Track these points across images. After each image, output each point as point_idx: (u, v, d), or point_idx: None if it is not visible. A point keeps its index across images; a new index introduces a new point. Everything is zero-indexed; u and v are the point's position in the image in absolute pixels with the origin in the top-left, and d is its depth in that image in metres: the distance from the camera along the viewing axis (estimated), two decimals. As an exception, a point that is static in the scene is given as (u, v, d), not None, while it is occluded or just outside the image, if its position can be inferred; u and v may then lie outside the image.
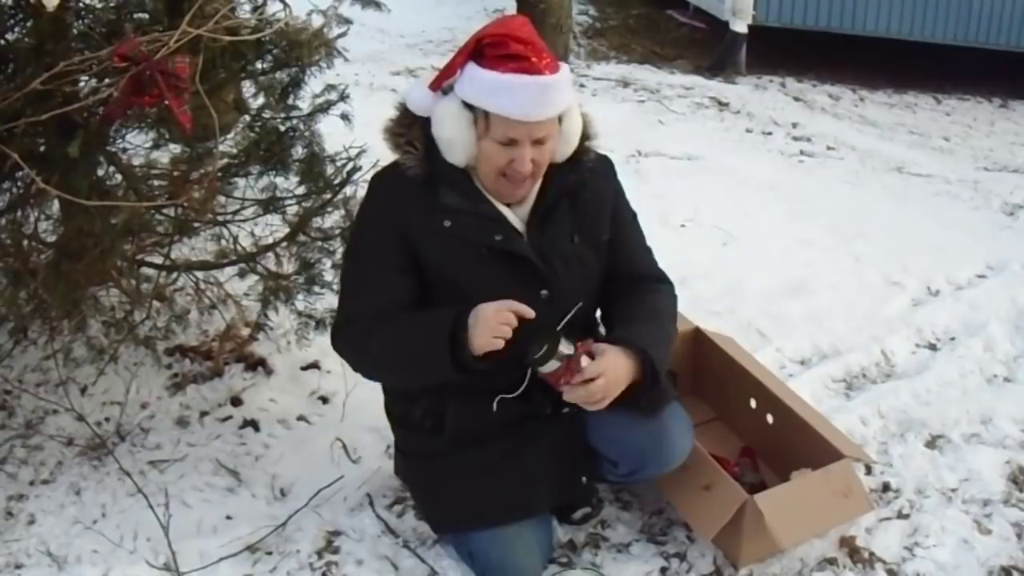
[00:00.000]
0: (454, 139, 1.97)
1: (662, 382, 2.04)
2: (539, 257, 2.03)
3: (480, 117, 1.94)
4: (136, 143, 2.63)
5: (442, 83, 2.00)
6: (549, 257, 2.04)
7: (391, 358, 2.01)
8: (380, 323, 1.99)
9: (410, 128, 2.03)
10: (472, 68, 1.93)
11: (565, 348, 1.92)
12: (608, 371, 1.93)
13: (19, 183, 2.34)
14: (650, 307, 2.14)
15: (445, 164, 2.01)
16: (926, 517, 2.39)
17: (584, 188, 2.10)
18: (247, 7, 2.48)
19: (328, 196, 2.68)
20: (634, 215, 2.24)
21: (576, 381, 1.92)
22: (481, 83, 1.91)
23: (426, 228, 2.00)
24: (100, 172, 2.36)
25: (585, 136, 2.09)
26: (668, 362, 2.10)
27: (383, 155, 2.11)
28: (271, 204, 2.75)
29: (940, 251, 4.00)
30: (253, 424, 2.70)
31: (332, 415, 2.74)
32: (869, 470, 2.55)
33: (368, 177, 2.17)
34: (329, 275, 2.75)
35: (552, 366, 1.92)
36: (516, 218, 2.06)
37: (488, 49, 1.91)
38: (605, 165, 2.18)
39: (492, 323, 1.87)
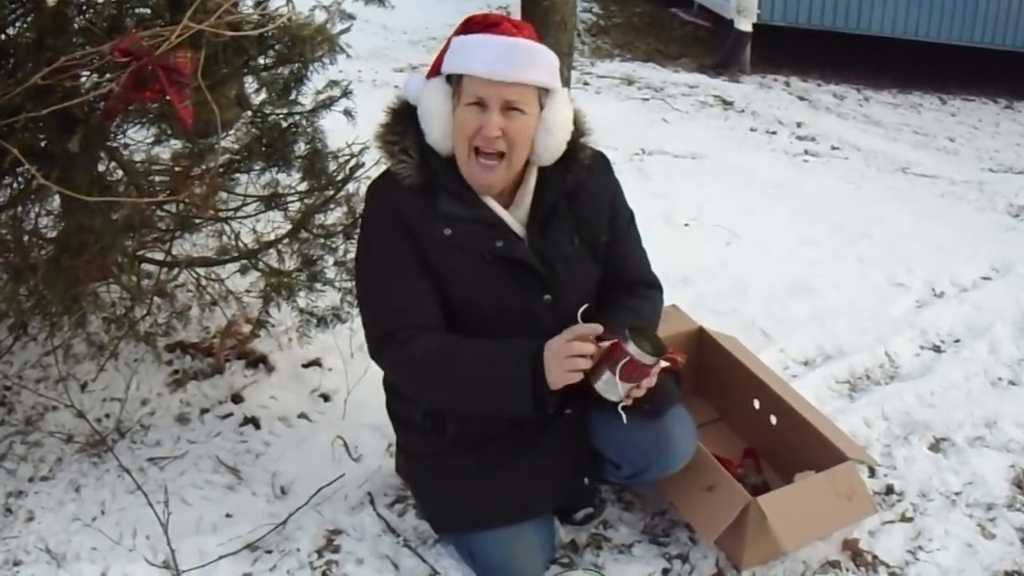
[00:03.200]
0: (432, 113, 1.97)
1: None
2: (541, 261, 2.01)
3: (455, 85, 1.95)
4: (137, 139, 2.62)
5: (435, 70, 2.01)
6: (551, 260, 2.02)
7: (458, 392, 1.99)
8: (440, 351, 1.96)
9: (403, 136, 2.01)
10: (453, 40, 1.97)
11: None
12: None
13: (19, 178, 2.33)
14: (634, 308, 2.12)
15: (441, 171, 1.99)
16: (929, 520, 2.38)
17: (582, 189, 2.08)
18: (249, 2, 2.48)
19: (330, 193, 2.67)
20: (632, 215, 2.22)
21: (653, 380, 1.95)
22: (455, 49, 1.95)
23: (427, 236, 1.98)
24: (101, 168, 2.35)
25: (580, 133, 2.07)
26: None
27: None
28: (273, 200, 2.74)
29: (945, 252, 3.98)
30: (254, 421, 2.69)
31: (333, 413, 2.73)
32: (873, 472, 2.54)
33: (371, 174, 2.16)
34: (331, 272, 2.74)
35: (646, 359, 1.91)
36: (515, 222, 2.03)
37: (471, 23, 1.97)
38: (602, 163, 2.15)
39: (565, 358, 1.87)
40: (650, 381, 1.94)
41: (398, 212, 1.99)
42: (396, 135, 2.02)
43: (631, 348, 1.87)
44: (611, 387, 1.92)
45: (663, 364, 1.93)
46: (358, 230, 2.21)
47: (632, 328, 1.90)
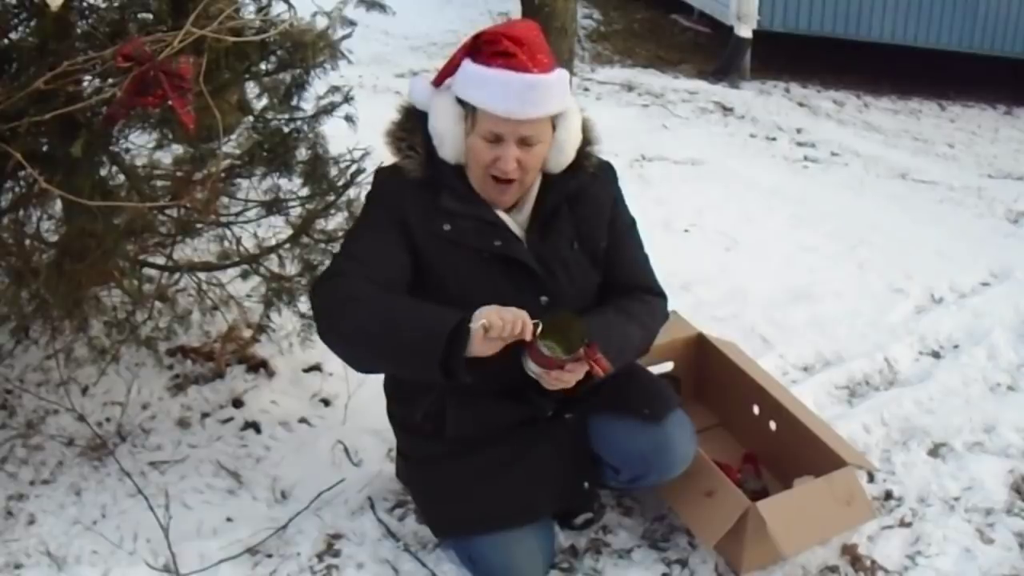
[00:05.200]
0: (445, 133, 1.98)
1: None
2: (539, 263, 2.02)
3: (469, 112, 1.96)
4: (139, 143, 2.62)
5: (443, 79, 2.02)
6: (549, 263, 2.03)
7: (375, 333, 1.90)
8: (375, 296, 1.92)
9: (412, 132, 2.03)
10: (466, 63, 1.95)
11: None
12: None
13: (22, 183, 2.34)
14: (623, 307, 2.09)
15: (446, 168, 2.01)
16: (928, 526, 2.38)
17: (584, 194, 2.09)
18: (251, 8, 2.48)
19: (331, 198, 2.68)
20: (633, 222, 2.23)
21: (566, 375, 1.90)
22: (470, 77, 1.94)
23: (426, 231, 1.99)
24: (103, 172, 2.35)
25: (587, 141, 2.08)
26: (622, 360, 2.04)
27: (386, 158, 2.12)
28: (274, 206, 2.74)
29: (944, 258, 3.99)
30: (254, 426, 2.70)
31: (334, 417, 2.74)
32: (871, 478, 2.55)
33: (371, 179, 2.17)
34: (332, 277, 2.74)
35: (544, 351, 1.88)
36: (515, 224, 2.05)
37: (484, 46, 1.94)
38: (607, 171, 2.17)
39: (503, 323, 1.83)
40: (568, 375, 1.90)
41: (400, 197, 2.02)
42: (405, 131, 2.04)
43: (536, 339, 1.86)
44: (532, 369, 1.93)
45: (573, 362, 1.88)
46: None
47: (553, 319, 1.88)
